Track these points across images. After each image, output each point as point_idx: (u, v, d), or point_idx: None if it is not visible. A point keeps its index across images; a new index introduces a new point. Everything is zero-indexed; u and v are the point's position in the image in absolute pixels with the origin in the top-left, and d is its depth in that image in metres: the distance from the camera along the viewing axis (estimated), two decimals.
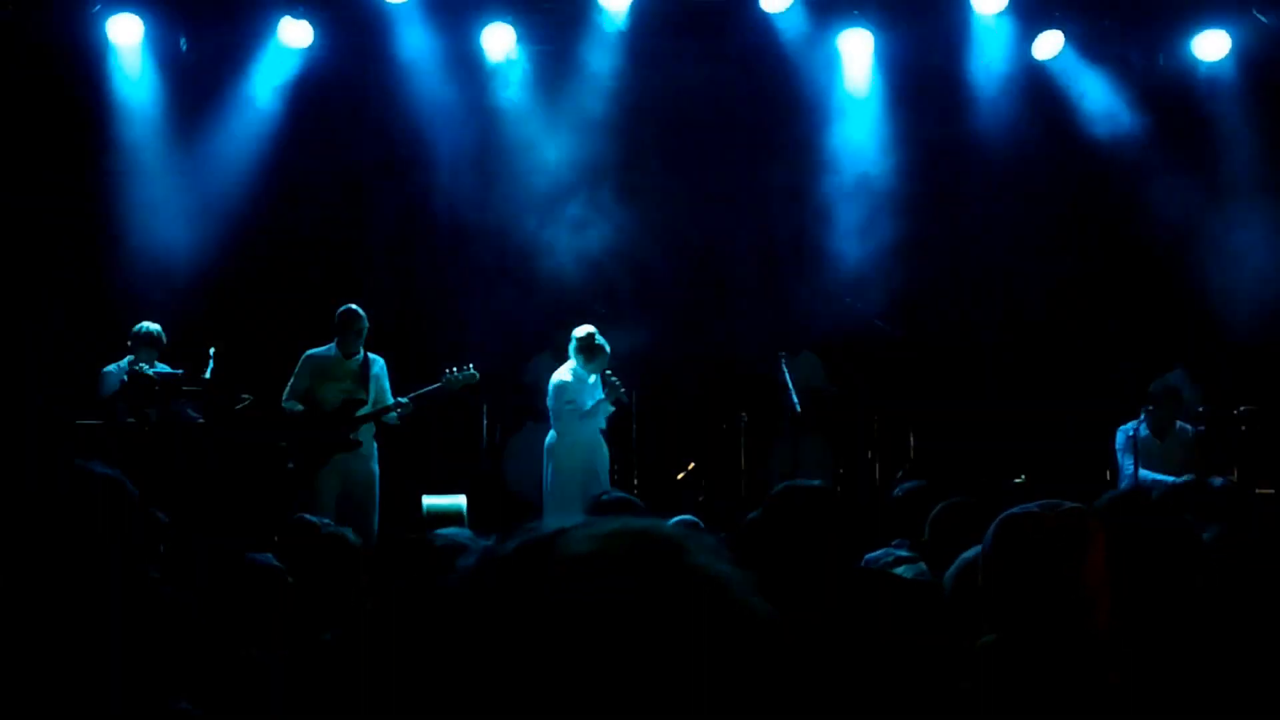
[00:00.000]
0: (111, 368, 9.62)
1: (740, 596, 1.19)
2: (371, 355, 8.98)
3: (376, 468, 8.89)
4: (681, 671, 1.13)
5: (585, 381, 9.39)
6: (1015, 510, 2.70)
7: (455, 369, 9.12)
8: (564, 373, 9.45)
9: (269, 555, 3.92)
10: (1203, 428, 9.19)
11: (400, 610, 3.74)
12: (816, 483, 3.42)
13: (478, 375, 9.24)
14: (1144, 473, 8.60)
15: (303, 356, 8.95)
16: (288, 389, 8.88)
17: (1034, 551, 2.60)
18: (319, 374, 8.83)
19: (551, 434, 9.54)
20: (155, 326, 9.53)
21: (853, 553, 3.21)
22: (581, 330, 9.50)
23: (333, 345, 8.92)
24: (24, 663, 2.38)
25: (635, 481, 11.10)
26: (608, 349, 9.41)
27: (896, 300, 11.30)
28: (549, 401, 9.48)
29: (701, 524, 4.96)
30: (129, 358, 9.48)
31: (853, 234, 11.38)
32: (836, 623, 2.90)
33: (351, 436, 8.71)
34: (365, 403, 8.79)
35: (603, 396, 9.40)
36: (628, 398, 9.87)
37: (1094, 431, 9.34)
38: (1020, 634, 2.62)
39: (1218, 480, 8.63)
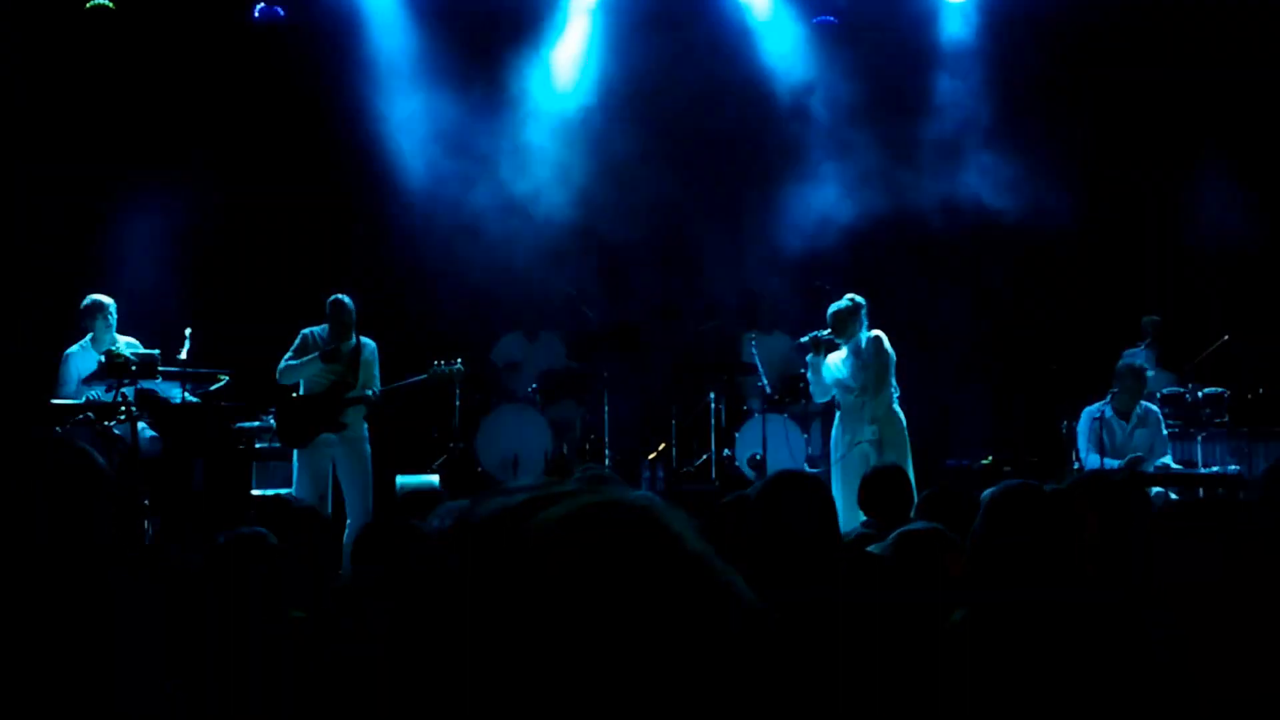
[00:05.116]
0: (74, 349, 9.56)
1: (720, 571, 1.11)
2: (364, 340, 9.11)
3: (368, 449, 9.08)
4: (657, 651, 1.05)
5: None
6: (1007, 486, 2.76)
7: (442, 361, 9.29)
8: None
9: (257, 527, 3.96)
10: (1168, 409, 9.30)
11: (371, 587, 3.79)
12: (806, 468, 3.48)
13: (464, 370, 9.35)
14: (1094, 457, 8.72)
15: (301, 332, 9.11)
16: (285, 358, 9.00)
17: (1030, 526, 2.67)
18: (312, 353, 9.01)
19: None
20: (103, 296, 9.40)
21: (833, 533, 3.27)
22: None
23: (326, 328, 9.04)
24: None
25: (606, 463, 11.16)
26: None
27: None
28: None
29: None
30: (89, 336, 9.43)
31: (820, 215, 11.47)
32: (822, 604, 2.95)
33: (340, 419, 8.88)
34: (353, 386, 8.96)
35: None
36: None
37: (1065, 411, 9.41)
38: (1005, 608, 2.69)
39: (1155, 463, 8.80)
